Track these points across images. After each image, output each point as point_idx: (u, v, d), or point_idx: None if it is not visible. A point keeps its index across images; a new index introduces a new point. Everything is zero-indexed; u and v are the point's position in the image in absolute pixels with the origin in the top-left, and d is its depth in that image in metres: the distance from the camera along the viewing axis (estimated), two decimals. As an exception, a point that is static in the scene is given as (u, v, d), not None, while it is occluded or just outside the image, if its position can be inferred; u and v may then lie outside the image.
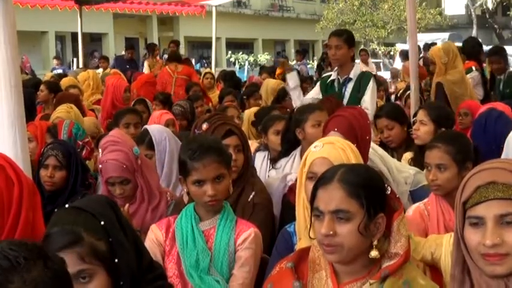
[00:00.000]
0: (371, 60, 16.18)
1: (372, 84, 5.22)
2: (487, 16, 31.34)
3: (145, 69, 11.94)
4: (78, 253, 1.72)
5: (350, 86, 5.23)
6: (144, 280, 1.85)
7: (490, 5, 31.52)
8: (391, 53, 25.77)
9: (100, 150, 3.23)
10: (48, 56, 23.20)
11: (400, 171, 3.50)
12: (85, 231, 1.75)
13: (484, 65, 7.65)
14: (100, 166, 3.18)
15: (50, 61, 21.46)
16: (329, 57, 5.89)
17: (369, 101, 5.09)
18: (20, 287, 1.18)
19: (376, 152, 3.48)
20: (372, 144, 3.60)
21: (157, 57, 13.19)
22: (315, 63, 17.77)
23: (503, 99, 6.08)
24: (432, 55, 6.09)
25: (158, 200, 3.16)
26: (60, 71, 14.58)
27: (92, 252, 1.75)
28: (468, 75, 6.44)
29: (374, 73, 7.58)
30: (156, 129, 3.86)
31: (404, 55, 15.64)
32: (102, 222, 1.79)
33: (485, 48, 8.77)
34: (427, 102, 5.20)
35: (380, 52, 26.87)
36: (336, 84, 5.39)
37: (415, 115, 4.60)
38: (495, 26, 31.16)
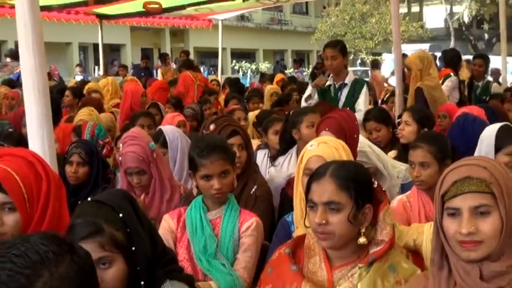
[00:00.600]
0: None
1: (365, 90, 5.26)
2: (464, 29, 31.31)
3: (159, 76, 11.95)
4: (99, 242, 1.73)
5: (345, 91, 5.25)
6: (158, 264, 1.85)
7: (466, 19, 31.52)
8: (380, 59, 25.78)
9: (121, 144, 3.24)
10: (72, 65, 23.17)
11: (394, 167, 3.50)
12: (105, 223, 1.76)
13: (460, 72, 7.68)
14: (120, 158, 3.20)
15: (74, 69, 21.46)
16: (326, 66, 5.87)
17: (362, 104, 5.12)
18: (48, 281, 1.17)
19: (373, 151, 3.49)
20: (370, 143, 3.61)
21: (169, 66, 13.20)
22: (310, 71, 17.75)
23: (479, 103, 6.10)
24: (409, 62, 6.10)
25: (170, 191, 3.15)
26: (81, 77, 14.59)
27: (111, 241, 1.75)
28: (447, 80, 6.45)
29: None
30: (169, 129, 3.87)
31: (374, 65, 15.68)
32: (121, 215, 1.79)
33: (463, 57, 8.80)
34: (410, 105, 5.18)
35: (368, 61, 26.78)
36: (332, 89, 5.39)
37: (399, 117, 4.59)
38: (471, 37, 31.13)
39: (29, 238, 1.24)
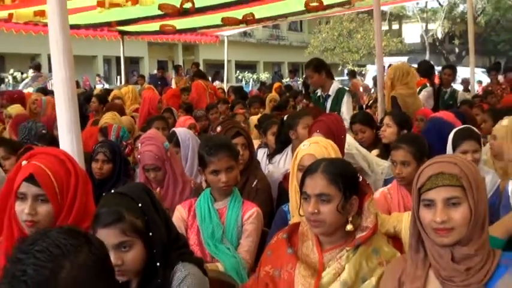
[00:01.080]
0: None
1: (346, 98, 5.22)
2: (437, 44, 31.28)
3: (173, 85, 11.94)
4: (120, 228, 1.73)
5: (330, 101, 5.25)
6: (172, 248, 1.85)
7: (439, 35, 31.50)
8: (363, 72, 25.73)
9: (139, 144, 3.25)
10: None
11: (379, 165, 3.51)
12: (126, 212, 1.76)
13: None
14: (139, 156, 3.22)
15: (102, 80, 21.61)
16: None
17: (345, 111, 5.09)
18: (70, 271, 1.16)
19: (360, 152, 3.50)
20: (358, 146, 3.61)
21: (182, 76, 13.21)
22: (302, 80, 17.79)
23: (447, 108, 6.13)
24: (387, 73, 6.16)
25: (182, 185, 3.15)
26: (101, 86, 14.59)
27: (131, 228, 1.75)
28: (423, 90, 6.48)
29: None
30: (181, 131, 3.87)
31: (352, 74, 15.77)
32: (140, 205, 1.80)
33: (436, 68, 8.82)
34: (391, 110, 5.17)
35: (355, 70, 26.87)
36: (320, 99, 5.43)
37: (381, 120, 4.59)
38: (443, 51, 31.11)
39: (49, 233, 1.23)
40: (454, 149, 3.06)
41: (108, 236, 1.72)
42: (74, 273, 1.16)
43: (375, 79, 12.26)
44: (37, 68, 12.26)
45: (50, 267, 1.15)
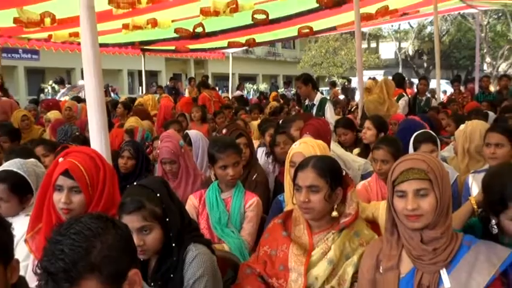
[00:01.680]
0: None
1: (327, 106, 5.27)
2: (408, 59, 31.27)
3: (186, 94, 11.93)
4: (142, 215, 1.73)
5: (314, 109, 5.29)
6: (185, 231, 1.85)
7: (410, 52, 31.49)
8: (346, 83, 25.77)
9: (159, 142, 3.24)
10: (123, 86, 23.31)
11: (355, 162, 3.49)
12: (147, 201, 1.76)
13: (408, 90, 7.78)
14: (157, 151, 3.22)
15: (124, 90, 21.56)
16: None
17: (329, 117, 5.10)
18: (101, 250, 1.16)
19: (335, 152, 3.47)
20: (333, 147, 3.58)
21: (194, 86, 13.21)
22: (295, 90, 17.79)
23: (423, 113, 6.19)
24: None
25: (193, 177, 3.14)
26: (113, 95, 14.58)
27: (151, 214, 1.75)
28: (401, 99, 6.58)
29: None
30: (193, 132, 3.86)
31: (332, 84, 15.91)
32: (158, 195, 1.80)
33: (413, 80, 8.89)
34: (371, 115, 5.17)
35: (339, 83, 26.85)
36: (308, 107, 5.47)
37: (361, 124, 4.59)
38: (414, 66, 31.05)
39: (81, 219, 1.23)
40: (414, 150, 3.05)
41: (131, 221, 1.72)
42: (104, 251, 1.17)
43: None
44: (61, 82, 12.34)
45: (84, 246, 1.15)
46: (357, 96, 9.64)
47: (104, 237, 1.18)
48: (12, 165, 2.26)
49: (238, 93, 14.06)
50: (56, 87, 14.47)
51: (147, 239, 1.75)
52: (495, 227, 1.76)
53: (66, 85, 13.01)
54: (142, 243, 1.74)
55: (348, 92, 16.09)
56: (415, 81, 9.26)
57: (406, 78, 9.63)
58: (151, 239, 1.76)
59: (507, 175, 1.78)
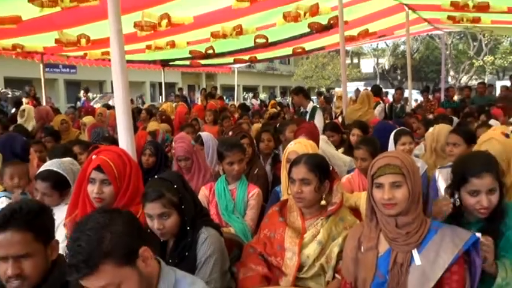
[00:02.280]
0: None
1: (317, 113, 5.22)
2: (385, 73, 31.24)
3: (199, 102, 11.91)
4: (162, 203, 1.73)
5: (307, 116, 5.28)
6: (198, 217, 1.85)
7: (386, 67, 31.46)
8: (332, 93, 25.79)
9: (174, 142, 3.25)
10: (146, 95, 23.32)
11: (340, 159, 3.48)
12: (166, 191, 1.76)
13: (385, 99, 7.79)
14: (173, 150, 3.20)
15: (148, 98, 21.57)
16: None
17: (317, 122, 5.02)
18: (111, 239, 1.17)
19: (324, 151, 3.46)
20: (326, 146, 3.56)
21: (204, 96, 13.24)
22: (290, 98, 17.79)
23: (398, 118, 6.18)
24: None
25: (204, 171, 3.13)
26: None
27: (169, 202, 1.75)
28: (378, 106, 6.58)
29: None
30: (205, 134, 3.84)
31: (319, 94, 15.93)
32: (175, 186, 1.79)
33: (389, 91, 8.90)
34: (355, 121, 5.17)
35: (326, 92, 26.93)
36: (302, 114, 5.45)
37: (345, 127, 4.58)
38: (389, 78, 31.02)
39: (92, 215, 1.24)
40: (395, 142, 3.08)
41: (153, 208, 1.72)
42: (113, 239, 1.17)
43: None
44: (86, 90, 12.34)
45: (96, 238, 1.16)
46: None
47: (112, 227, 1.18)
48: (52, 165, 2.28)
49: (254, 101, 14.29)
50: (91, 96, 14.56)
51: (166, 223, 1.74)
52: (458, 200, 1.76)
53: (89, 93, 13.10)
54: (162, 226, 1.74)
55: (330, 100, 16.13)
56: (391, 91, 9.25)
57: (383, 89, 9.66)
58: (170, 223, 1.75)
59: (468, 158, 1.84)
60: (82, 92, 11.07)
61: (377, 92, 7.09)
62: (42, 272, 1.35)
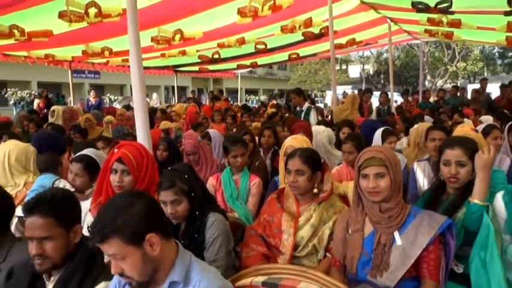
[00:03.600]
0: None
1: (312, 112, 5.21)
2: (370, 77, 31.11)
3: (207, 103, 11.89)
4: (174, 191, 1.72)
5: (303, 114, 5.25)
6: (206, 203, 1.84)
7: (371, 72, 31.36)
8: (324, 95, 25.64)
9: (183, 139, 3.24)
10: (161, 97, 23.27)
11: (332, 154, 3.46)
12: (178, 180, 1.75)
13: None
14: (183, 146, 3.19)
15: (163, 100, 21.53)
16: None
17: (312, 120, 5.04)
18: (123, 218, 1.16)
19: (323, 145, 3.44)
20: (324, 141, 3.50)
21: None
22: (285, 100, 17.74)
23: (385, 116, 6.17)
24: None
25: (211, 163, 3.12)
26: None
27: (180, 190, 1.74)
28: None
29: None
30: (212, 131, 3.83)
31: (308, 96, 15.80)
32: (186, 176, 1.79)
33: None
34: (344, 120, 5.14)
35: (318, 95, 26.76)
36: (298, 113, 5.42)
37: (335, 125, 4.55)
38: (373, 82, 30.90)
39: (115, 198, 1.24)
40: (383, 141, 3.05)
41: (166, 195, 1.71)
42: (125, 219, 1.16)
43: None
44: (93, 92, 12.03)
45: (112, 216, 1.17)
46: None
47: (127, 209, 1.18)
48: (87, 151, 2.32)
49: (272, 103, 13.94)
50: (113, 98, 14.52)
51: (178, 209, 1.74)
52: (441, 175, 1.83)
53: (110, 96, 12.92)
54: (175, 211, 1.74)
55: (314, 101, 15.99)
56: (376, 93, 9.21)
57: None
58: (181, 209, 1.75)
59: (447, 139, 1.93)
60: (92, 92, 10.96)
61: (364, 94, 7.12)
62: (63, 252, 1.35)
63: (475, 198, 1.66)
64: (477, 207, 1.64)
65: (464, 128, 2.48)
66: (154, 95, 14.57)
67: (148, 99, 11.91)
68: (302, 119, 5.12)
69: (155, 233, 1.19)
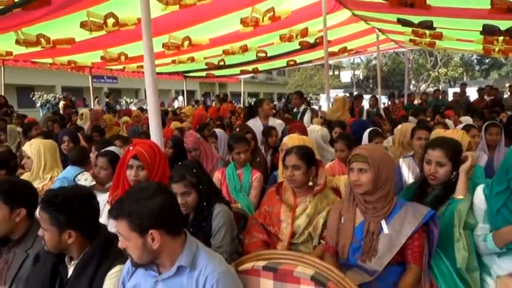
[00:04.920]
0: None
1: (307, 113, 5.18)
2: (360, 82, 31.00)
3: (214, 105, 11.87)
4: (184, 184, 1.72)
5: (299, 115, 5.24)
6: (212, 195, 1.84)
7: (361, 77, 31.22)
8: (318, 98, 25.57)
9: (185, 138, 3.23)
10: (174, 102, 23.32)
11: (328, 150, 3.45)
12: (187, 174, 1.75)
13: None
14: (185, 143, 3.17)
15: (175, 104, 21.55)
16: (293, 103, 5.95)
17: (305, 120, 5.00)
18: (136, 207, 1.17)
19: (319, 144, 3.43)
20: (320, 141, 3.49)
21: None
22: (284, 102, 17.67)
23: (374, 117, 6.14)
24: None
25: (211, 158, 3.10)
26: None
27: (190, 183, 1.74)
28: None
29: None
30: (219, 130, 3.83)
31: (299, 96, 15.61)
32: (195, 170, 1.78)
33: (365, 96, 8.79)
34: (337, 121, 5.10)
35: (313, 97, 26.67)
36: (295, 114, 5.41)
37: (328, 125, 4.54)
38: (363, 86, 30.78)
39: (142, 187, 1.24)
40: (369, 141, 3.03)
41: (177, 187, 1.71)
42: (136, 209, 1.17)
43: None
44: (108, 96, 11.98)
45: (128, 201, 1.18)
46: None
47: (144, 201, 1.18)
48: (111, 148, 2.35)
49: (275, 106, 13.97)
50: (129, 100, 14.50)
51: (188, 200, 1.74)
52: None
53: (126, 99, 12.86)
54: (185, 202, 1.73)
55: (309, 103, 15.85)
56: (366, 97, 9.17)
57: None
58: (190, 200, 1.75)
59: (432, 140, 1.91)
60: (108, 95, 10.91)
61: (355, 97, 7.10)
62: (55, 243, 1.37)
63: (459, 195, 1.68)
64: (461, 200, 1.66)
65: (440, 130, 2.48)
66: (180, 98, 14.85)
67: (177, 101, 12.05)
68: (298, 119, 5.11)
69: (158, 230, 1.18)
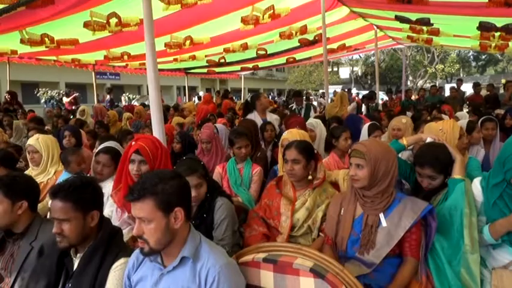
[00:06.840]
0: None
1: (312, 108, 5.19)
2: (358, 78, 30.86)
3: (214, 101, 11.82)
4: (197, 175, 1.75)
5: (303, 111, 5.23)
6: (215, 189, 1.84)
7: (359, 73, 31.08)
8: (318, 93, 25.48)
9: (202, 128, 3.22)
10: (173, 97, 23.16)
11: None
12: (198, 167, 1.78)
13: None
14: (199, 135, 3.15)
15: (175, 99, 21.45)
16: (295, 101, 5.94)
17: (312, 115, 5.02)
18: (162, 187, 1.18)
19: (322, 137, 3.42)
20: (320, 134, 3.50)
21: (219, 97, 13.09)
22: (284, 98, 17.58)
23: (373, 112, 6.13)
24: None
25: (221, 153, 3.09)
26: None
27: (201, 175, 1.76)
28: (352, 104, 6.47)
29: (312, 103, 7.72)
30: (219, 125, 3.81)
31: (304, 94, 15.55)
32: (202, 163, 1.80)
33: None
34: (334, 116, 5.06)
35: (313, 93, 26.64)
36: (296, 110, 5.38)
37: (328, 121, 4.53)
38: (361, 82, 30.67)
39: (160, 170, 1.28)
40: (369, 134, 3.03)
41: (191, 180, 1.71)
42: (163, 187, 1.18)
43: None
44: (110, 92, 11.86)
45: (154, 182, 1.19)
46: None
47: (168, 180, 1.20)
48: (110, 144, 2.33)
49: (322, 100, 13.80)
50: (131, 96, 14.46)
51: (200, 191, 1.77)
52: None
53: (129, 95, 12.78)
54: (197, 194, 1.74)
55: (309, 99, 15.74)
56: (364, 92, 9.16)
57: (356, 92, 9.50)
58: (202, 191, 1.78)
59: (421, 151, 1.83)
60: (108, 90, 10.77)
61: (371, 97, 7.11)
62: (79, 234, 1.34)
63: (456, 175, 1.69)
64: (459, 180, 1.67)
65: (432, 125, 2.46)
66: (201, 93, 14.75)
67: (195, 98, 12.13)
68: (303, 115, 5.12)
69: (183, 209, 1.20)
